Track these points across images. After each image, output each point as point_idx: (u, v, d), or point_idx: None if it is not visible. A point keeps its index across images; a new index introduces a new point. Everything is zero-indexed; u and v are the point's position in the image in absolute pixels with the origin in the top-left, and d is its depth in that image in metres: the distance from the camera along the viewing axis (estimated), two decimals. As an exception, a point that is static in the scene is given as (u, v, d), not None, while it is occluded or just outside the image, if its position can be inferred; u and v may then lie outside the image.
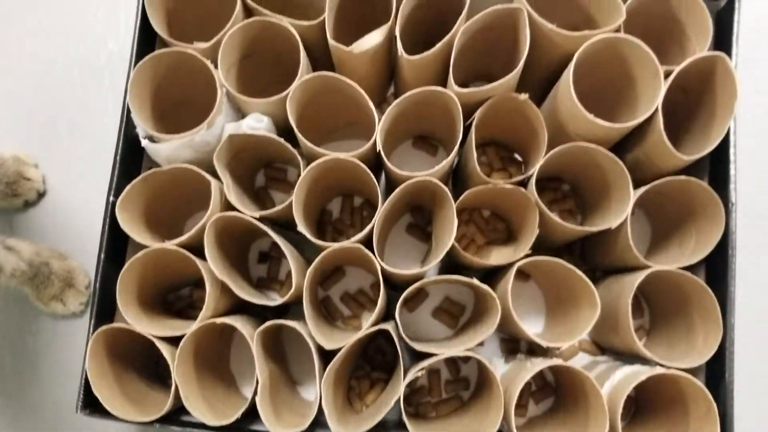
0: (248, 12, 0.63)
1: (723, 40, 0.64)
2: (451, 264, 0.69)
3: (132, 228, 0.60)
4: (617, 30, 0.59)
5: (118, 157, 0.62)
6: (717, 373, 0.60)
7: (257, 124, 0.62)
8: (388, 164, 0.59)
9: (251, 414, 0.60)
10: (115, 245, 0.64)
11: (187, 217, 0.70)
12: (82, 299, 0.73)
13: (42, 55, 0.80)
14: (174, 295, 0.71)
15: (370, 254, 0.59)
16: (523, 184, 0.62)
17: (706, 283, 0.60)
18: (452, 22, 0.59)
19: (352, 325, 0.71)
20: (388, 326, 0.61)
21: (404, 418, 0.59)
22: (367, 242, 0.61)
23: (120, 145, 0.63)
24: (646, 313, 0.70)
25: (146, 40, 0.64)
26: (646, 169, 0.61)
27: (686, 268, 0.61)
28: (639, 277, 0.59)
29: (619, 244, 0.62)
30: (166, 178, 0.61)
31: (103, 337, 0.60)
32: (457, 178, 0.67)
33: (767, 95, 0.74)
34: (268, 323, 0.60)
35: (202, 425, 0.60)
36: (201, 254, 0.59)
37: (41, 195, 0.76)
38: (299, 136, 0.59)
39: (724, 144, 0.60)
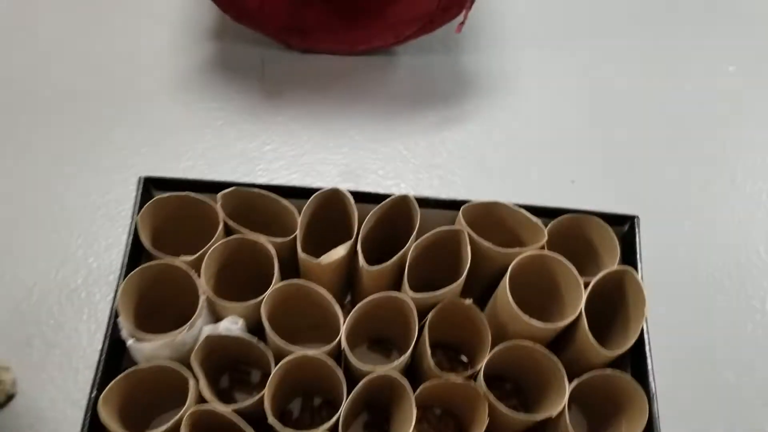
0: (228, 230, 0.73)
1: (629, 256, 0.76)
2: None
3: (111, 423, 0.63)
4: (542, 247, 0.71)
5: (102, 357, 0.67)
6: None
7: (233, 326, 0.69)
8: (352, 360, 0.66)
9: None
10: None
11: (161, 412, 0.73)
12: None
13: (25, 282, 0.85)
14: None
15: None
16: (472, 379, 0.69)
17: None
18: (405, 238, 0.71)
19: None
20: None
21: None
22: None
23: (105, 347, 0.67)
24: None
25: (136, 253, 0.72)
26: (581, 365, 0.70)
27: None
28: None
29: (560, 435, 0.68)
30: (144, 375, 0.66)
31: None
32: (410, 378, 0.74)
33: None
34: None
35: None
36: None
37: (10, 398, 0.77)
38: (272, 334, 0.66)
39: (641, 340, 0.70)
